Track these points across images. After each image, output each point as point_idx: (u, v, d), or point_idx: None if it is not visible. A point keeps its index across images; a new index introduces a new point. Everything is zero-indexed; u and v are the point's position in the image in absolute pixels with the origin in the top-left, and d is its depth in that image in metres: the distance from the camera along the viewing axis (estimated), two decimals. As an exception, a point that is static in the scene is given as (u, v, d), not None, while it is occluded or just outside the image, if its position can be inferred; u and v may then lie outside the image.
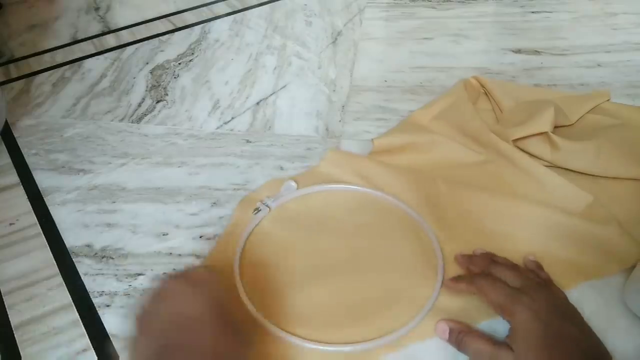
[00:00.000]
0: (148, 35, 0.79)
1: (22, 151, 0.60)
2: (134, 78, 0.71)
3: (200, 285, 0.35)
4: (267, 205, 0.51)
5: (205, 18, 0.83)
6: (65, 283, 0.47)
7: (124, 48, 0.77)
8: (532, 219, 0.47)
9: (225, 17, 0.83)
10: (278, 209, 0.51)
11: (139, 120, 0.64)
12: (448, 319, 0.40)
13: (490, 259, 0.43)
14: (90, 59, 0.75)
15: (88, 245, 0.50)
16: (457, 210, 0.49)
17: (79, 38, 0.80)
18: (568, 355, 0.33)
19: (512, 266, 0.41)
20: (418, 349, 0.40)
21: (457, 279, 0.42)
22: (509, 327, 0.36)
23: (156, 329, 0.32)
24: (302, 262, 0.46)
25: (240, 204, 0.51)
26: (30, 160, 0.59)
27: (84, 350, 0.42)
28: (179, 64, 0.73)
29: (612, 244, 0.45)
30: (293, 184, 0.53)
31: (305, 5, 0.85)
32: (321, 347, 0.40)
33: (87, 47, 0.78)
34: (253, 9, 0.84)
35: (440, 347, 0.40)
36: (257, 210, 0.50)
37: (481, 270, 0.41)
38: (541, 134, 0.53)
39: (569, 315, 0.36)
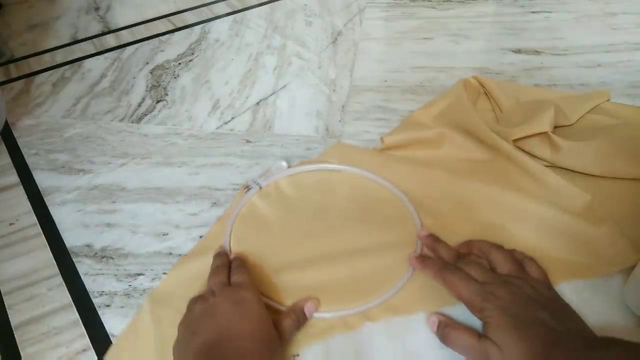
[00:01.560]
0: (148, 35, 0.79)
1: (22, 151, 0.60)
2: (134, 78, 0.71)
3: (242, 303, 0.38)
4: (257, 184, 0.52)
5: (205, 18, 0.83)
6: (65, 283, 0.47)
7: (124, 48, 0.77)
8: (528, 216, 0.48)
9: (225, 17, 0.83)
10: (269, 188, 0.53)
11: (139, 120, 0.64)
12: (439, 313, 0.41)
13: (458, 252, 0.44)
14: (90, 59, 0.75)
15: (88, 245, 0.50)
16: (454, 200, 0.50)
17: (79, 38, 0.80)
18: (543, 339, 0.33)
19: (485, 253, 0.43)
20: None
21: (424, 262, 0.43)
22: (482, 322, 0.37)
23: (199, 339, 0.36)
24: (290, 238, 0.48)
25: (242, 188, 0.54)
26: (30, 160, 0.59)
27: (84, 350, 0.42)
28: (179, 64, 0.73)
29: (606, 245, 0.45)
30: (284, 163, 0.55)
31: (305, 5, 0.85)
32: None
33: (87, 47, 0.78)
34: (253, 9, 0.84)
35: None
36: (248, 188, 0.52)
37: (447, 261, 0.43)
38: (541, 134, 0.53)
39: (541, 301, 0.37)
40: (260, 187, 0.53)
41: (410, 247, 0.47)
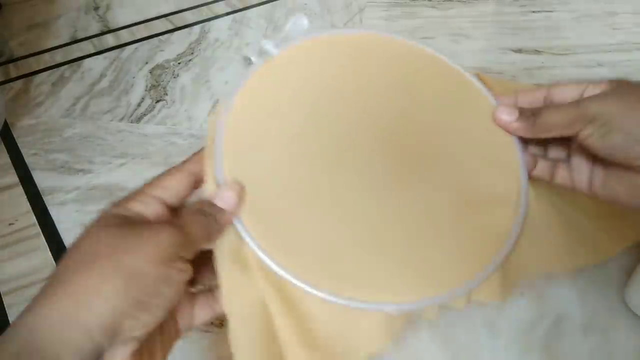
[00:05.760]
0: (147, 35, 0.79)
1: (22, 151, 0.60)
2: (134, 78, 0.71)
3: None
4: (265, 53, 0.32)
5: (205, 17, 0.83)
6: (64, 283, 0.47)
7: (123, 48, 0.77)
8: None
9: (225, 17, 0.83)
10: (281, 59, 0.33)
11: (139, 120, 0.64)
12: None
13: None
14: (89, 58, 0.75)
15: (88, 246, 0.50)
16: None
17: (79, 38, 0.80)
18: None
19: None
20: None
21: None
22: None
23: None
24: (309, 156, 0.30)
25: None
26: (29, 160, 0.59)
27: (84, 350, 0.42)
28: (179, 63, 0.73)
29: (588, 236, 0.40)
30: (304, 20, 0.34)
31: (305, 4, 0.85)
32: (342, 301, 0.26)
33: (87, 47, 0.78)
34: (253, 9, 0.84)
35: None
36: (249, 60, 0.33)
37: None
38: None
39: None
40: (271, 56, 0.33)
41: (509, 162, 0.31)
